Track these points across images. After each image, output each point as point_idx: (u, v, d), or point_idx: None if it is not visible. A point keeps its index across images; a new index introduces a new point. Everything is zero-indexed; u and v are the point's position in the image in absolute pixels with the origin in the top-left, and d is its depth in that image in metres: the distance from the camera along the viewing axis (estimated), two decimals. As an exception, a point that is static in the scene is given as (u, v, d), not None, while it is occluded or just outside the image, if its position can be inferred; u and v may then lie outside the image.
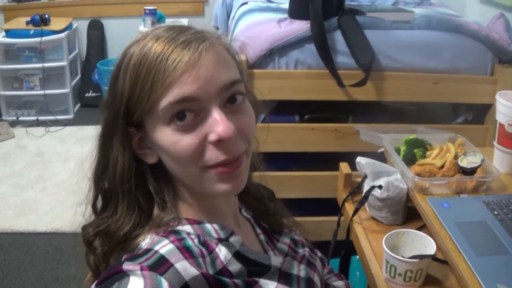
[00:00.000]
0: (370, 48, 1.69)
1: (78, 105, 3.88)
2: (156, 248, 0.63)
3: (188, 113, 0.63)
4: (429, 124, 1.51)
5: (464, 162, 1.17)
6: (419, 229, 1.07)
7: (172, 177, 0.71)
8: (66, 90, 3.68)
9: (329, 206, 1.55)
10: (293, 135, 1.81)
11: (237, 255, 0.69)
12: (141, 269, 0.59)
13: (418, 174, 1.16)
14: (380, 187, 1.16)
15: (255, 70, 1.71)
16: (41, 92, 3.58)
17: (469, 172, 1.16)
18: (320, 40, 1.67)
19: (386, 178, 1.18)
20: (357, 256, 1.20)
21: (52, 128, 3.50)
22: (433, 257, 0.98)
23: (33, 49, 3.52)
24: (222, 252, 0.68)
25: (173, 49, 0.63)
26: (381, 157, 1.31)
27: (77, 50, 3.93)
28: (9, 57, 3.57)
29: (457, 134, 1.31)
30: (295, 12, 1.87)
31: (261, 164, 0.84)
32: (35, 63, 3.54)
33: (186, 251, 0.64)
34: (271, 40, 1.70)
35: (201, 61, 0.63)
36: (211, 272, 0.64)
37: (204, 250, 0.66)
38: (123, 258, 0.62)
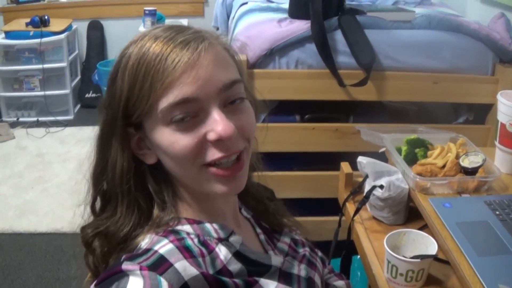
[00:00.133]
0: (371, 48, 1.69)
1: (78, 106, 3.88)
2: (156, 248, 0.63)
3: (187, 114, 0.63)
4: (430, 124, 1.51)
5: (466, 162, 1.17)
6: (420, 229, 1.07)
7: (172, 177, 0.71)
8: (66, 91, 3.67)
9: (330, 206, 1.54)
10: (294, 135, 1.80)
11: (237, 254, 0.69)
12: (141, 269, 0.59)
13: (420, 174, 1.15)
14: (381, 186, 1.16)
15: (255, 70, 1.71)
16: (41, 93, 3.58)
17: (471, 172, 1.15)
18: (320, 39, 1.67)
19: (387, 178, 1.18)
20: (358, 256, 1.19)
21: (52, 129, 3.50)
22: (435, 257, 0.97)
23: (33, 50, 3.52)
24: (222, 251, 0.68)
25: (172, 49, 0.63)
26: (382, 157, 1.30)
27: (77, 51, 3.92)
28: (9, 59, 3.57)
29: (458, 134, 1.31)
30: (295, 12, 1.87)
31: (260, 164, 0.83)
32: (35, 64, 3.54)
33: (185, 251, 0.63)
34: (271, 40, 1.70)
35: (200, 61, 0.63)
36: (211, 271, 0.64)
37: (204, 249, 0.66)
38: (123, 258, 0.61)
